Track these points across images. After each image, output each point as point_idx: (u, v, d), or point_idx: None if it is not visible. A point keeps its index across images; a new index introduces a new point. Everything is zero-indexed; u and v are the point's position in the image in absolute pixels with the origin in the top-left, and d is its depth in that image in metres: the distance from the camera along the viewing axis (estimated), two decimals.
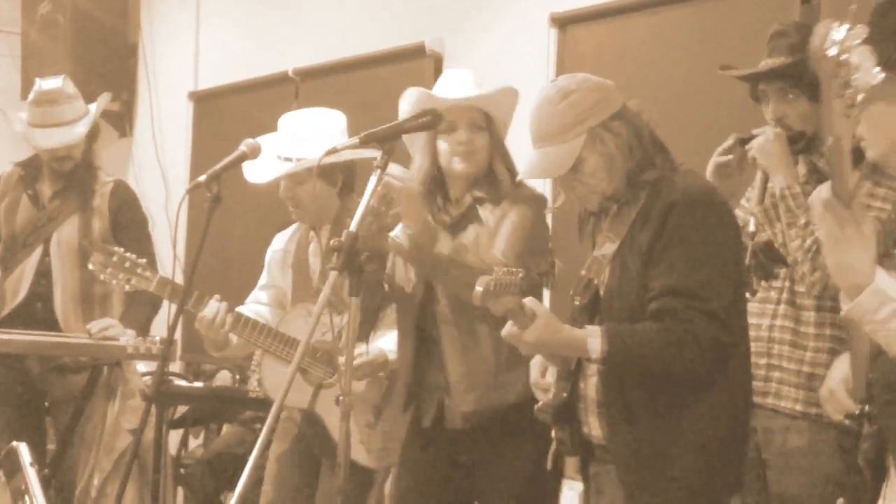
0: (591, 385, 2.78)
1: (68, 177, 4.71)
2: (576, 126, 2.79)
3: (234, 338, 3.79)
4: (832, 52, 2.01)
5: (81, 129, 4.64)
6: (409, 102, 3.38)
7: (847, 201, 2.05)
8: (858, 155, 3.01)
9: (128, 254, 3.88)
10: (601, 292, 2.79)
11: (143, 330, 4.56)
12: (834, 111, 2.04)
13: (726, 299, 2.66)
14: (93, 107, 4.76)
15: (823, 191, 2.10)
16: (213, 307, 3.71)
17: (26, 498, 3.16)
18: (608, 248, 2.79)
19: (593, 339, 2.63)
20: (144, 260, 3.91)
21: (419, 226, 3.10)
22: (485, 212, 3.35)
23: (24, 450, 3.26)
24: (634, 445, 2.70)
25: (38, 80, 4.72)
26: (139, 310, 4.64)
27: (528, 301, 2.62)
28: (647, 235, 2.70)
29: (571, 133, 2.79)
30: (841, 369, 2.62)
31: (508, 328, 2.66)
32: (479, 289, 2.56)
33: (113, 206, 4.73)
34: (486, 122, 3.39)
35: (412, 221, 3.09)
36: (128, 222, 4.72)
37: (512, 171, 3.37)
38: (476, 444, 3.29)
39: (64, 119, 4.63)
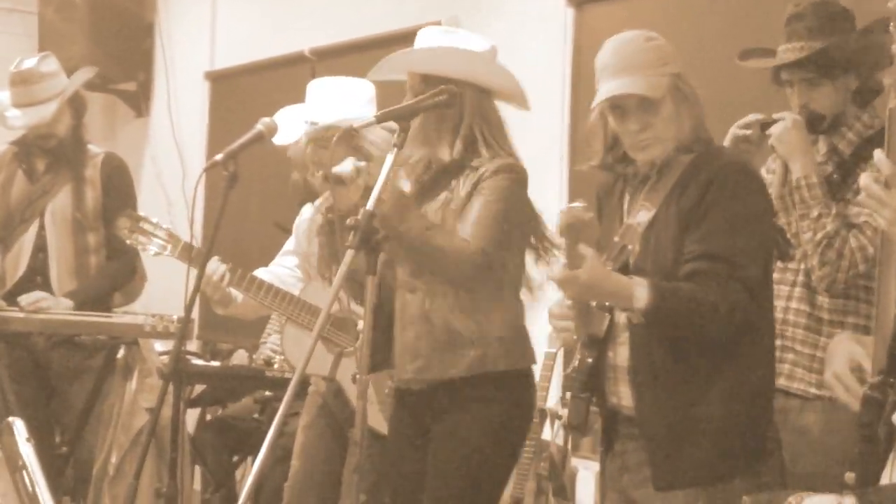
0: (620, 353, 2.78)
1: (56, 152, 4.72)
2: (662, 66, 2.77)
3: (238, 297, 3.82)
4: None
5: (50, 108, 4.63)
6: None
7: None
8: None
9: (154, 219, 3.92)
10: (632, 259, 2.76)
11: (86, 304, 4.58)
12: None
13: (759, 270, 2.69)
14: (68, 82, 4.76)
15: (884, 167, 2.07)
16: (213, 264, 3.75)
17: (24, 473, 3.17)
18: (643, 215, 2.77)
19: (640, 288, 2.60)
20: (168, 226, 3.93)
21: (391, 197, 3.00)
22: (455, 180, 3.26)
23: (19, 425, 3.27)
24: (661, 413, 2.70)
25: (17, 60, 4.73)
26: (94, 282, 4.67)
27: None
28: (688, 202, 2.69)
29: (658, 70, 2.75)
30: (842, 352, 2.60)
31: (560, 270, 2.60)
32: (566, 221, 2.54)
33: (104, 175, 4.75)
34: (423, 85, 3.23)
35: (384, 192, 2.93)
36: (116, 191, 4.75)
37: (473, 143, 3.25)
38: (431, 409, 3.25)
39: (37, 98, 4.64)
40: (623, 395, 2.78)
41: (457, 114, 3.23)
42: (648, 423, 2.73)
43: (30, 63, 4.65)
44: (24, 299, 4.48)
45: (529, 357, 3.34)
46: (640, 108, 2.76)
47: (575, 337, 2.84)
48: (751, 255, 2.67)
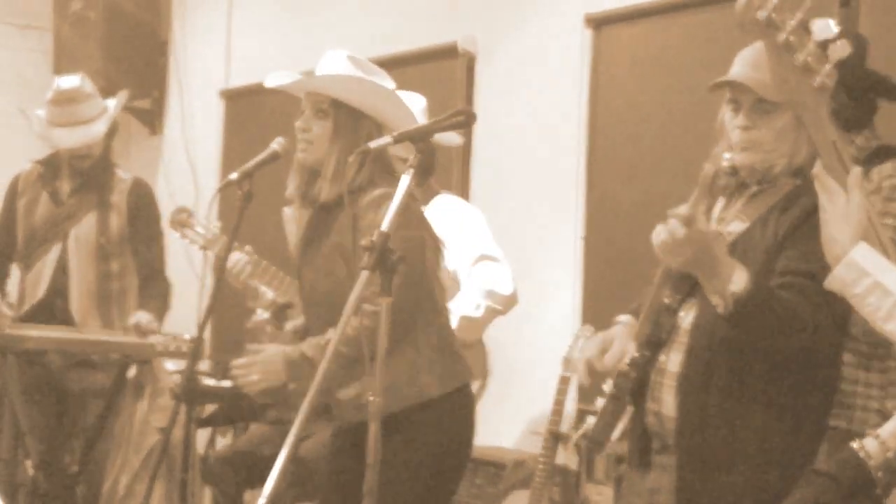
0: (673, 358, 2.68)
1: (86, 174, 4.73)
2: None
3: (267, 292, 3.84)
4: (762, 14, 1.92)
5: (101, 127, 4.67)
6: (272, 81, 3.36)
7: (839, 173, 2.01)
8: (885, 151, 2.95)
9: (203, 219, 4.02)
10: None
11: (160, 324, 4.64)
12: (793, 76, 1.96)
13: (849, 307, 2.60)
14: (110, 103, 4.77)
15: (817, 166, 2.07)
16: (235, 256, 3.80)
17: None
18: (736, 226, 2.69)
19: (741, 272, 2.51)
20: (219, 223, 4.02)
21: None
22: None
23: None
24: (702, 427, 2.61)
25: (56, 79, 4.74)
26: (154, 304, 4.70)
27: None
28: (788, 221, 2.62)
29: None
30: None
31: (674, 225, 2.46)
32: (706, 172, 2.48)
33: (131, 202, 4.77)
34: (332, 108, 3.21)
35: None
36: (143, 217, 4.80)
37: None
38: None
39: (83, 118, 4.65)
40: (665, 403, 2.69)
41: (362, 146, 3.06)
42: (686, 438, 2.64)
43: (73, 82, 4.67)
44: (139, 317, 4.52)
45: (444, 383, 3.20)
46: (754, 107, 2.67)
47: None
48: None
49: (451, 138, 4.31)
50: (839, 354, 2.72)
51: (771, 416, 2.61)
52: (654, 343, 2.73)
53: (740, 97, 2.70)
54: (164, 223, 4.88)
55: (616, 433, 2.81)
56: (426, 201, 4.00)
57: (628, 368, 2.74)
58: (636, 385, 2.74)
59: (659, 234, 2.51)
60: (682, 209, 2.47)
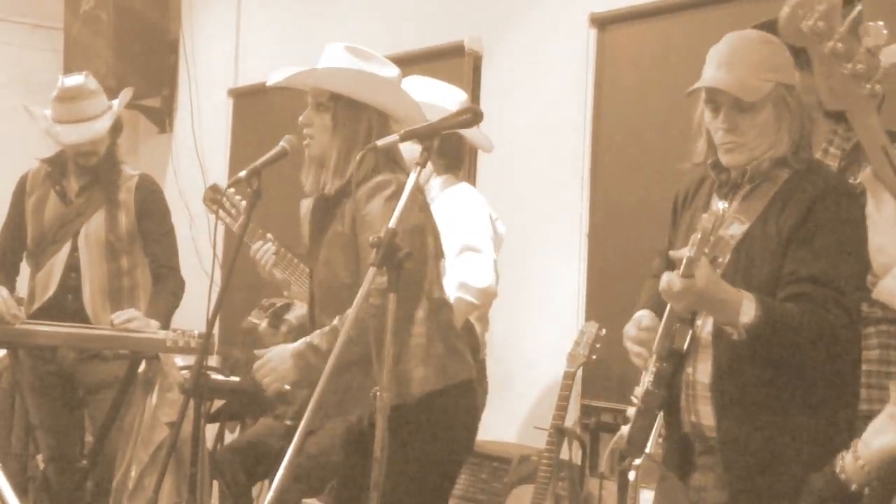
0: (701, 369, 2.69)
1: (93, 172, 4.75)
2: (767, 71, 2.66)
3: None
4: (807, 24, 1.89)
5: (104, 123, 4.67)
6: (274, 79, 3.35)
7: (890, 178, 1.98)
8: None
9: (236, 198, 4.04)
10: (719, 271, 2.61)
11: (166, 321, 4.64)
12: (841, 85, 1.91)
13: (861, 298, 2.60)
14: (115, 102, 4.79)
15: (867, 171, 2.05)
16: (259, 245, 3.83)
17: None
18: (736, 228, 2.69)
19: (749, 302, 2.52)
20: (243, 201, 4.02)
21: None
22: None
23: None
24: (744, 437, 2.62)
25: (60, 77, 4.75)
26: (162, 301, 4.71)
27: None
28: (790, 219, 2.61)
29: (761, 74, 2.64)
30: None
31: (676, 279, 2.49)
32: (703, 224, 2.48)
33: (138, 199, 4.77)
34: (331, 102, 3.23)
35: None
36: (152, 214, 4.80)
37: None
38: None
39: (87, 115, 4.65)
40: (703, 414, 2.69)
41: (366, 140, 3.13)
42: (729, 446, 2.64)
43: (77, 80, 4.67)
44: (116, 317, 4.50)
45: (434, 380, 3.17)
46: (733, 107, 2.68)
47: (650, 354, 2.77)
48: (855, 283, 2.56)
49: (481, 142, 4.30)
50: (859, 344, 2.71)
51: (807, 415, 2.60)
52: (674, 355, 2.73)
53: (717, 98, 2.71)
54: (174, 219, 4.93)
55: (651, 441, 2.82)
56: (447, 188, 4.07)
57: (653, 386, 2.73)
58: (664, 401, 2.73)
59: (663, 281, 2.54)
60: (684, 251, 2.49)
